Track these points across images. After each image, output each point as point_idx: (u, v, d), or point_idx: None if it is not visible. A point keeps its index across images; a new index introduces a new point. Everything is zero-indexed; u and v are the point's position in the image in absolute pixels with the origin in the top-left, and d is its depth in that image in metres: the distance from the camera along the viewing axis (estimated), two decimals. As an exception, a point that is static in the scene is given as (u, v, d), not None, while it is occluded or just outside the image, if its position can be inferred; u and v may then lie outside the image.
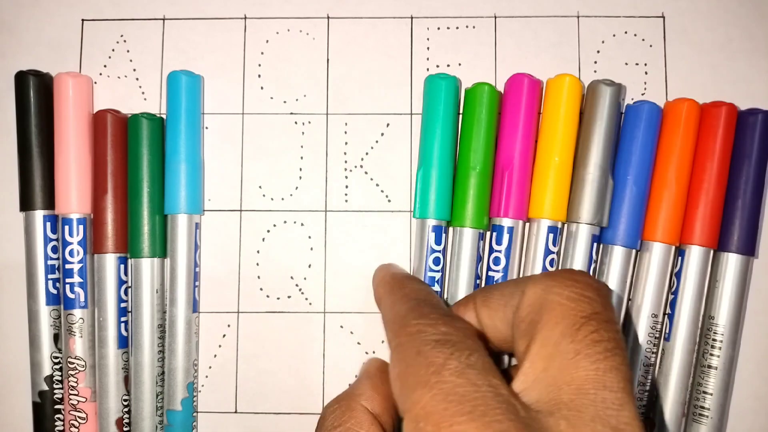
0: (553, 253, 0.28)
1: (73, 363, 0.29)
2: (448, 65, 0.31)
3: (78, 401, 0.29)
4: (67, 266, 0.29)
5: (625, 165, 0.28)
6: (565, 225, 0.29)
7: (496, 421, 0.15)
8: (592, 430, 0.15)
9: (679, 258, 0.29)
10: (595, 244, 0.28)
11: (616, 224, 0.28)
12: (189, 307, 0.29)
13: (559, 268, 0.29)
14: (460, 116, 0.30)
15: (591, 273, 0.28)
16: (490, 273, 0.29)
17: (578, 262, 0.28)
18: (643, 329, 0.28)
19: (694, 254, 0.28)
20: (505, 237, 0.28)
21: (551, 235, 0.28)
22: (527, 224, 0.29)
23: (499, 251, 0.28)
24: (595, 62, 0.31)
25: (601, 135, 0.28)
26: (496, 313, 0.21)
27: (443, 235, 0.29)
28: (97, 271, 0.29)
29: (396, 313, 0.21)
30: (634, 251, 0.29)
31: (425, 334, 0.18)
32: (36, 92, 0.29)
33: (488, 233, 0.29)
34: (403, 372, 0.17)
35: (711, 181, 0.28)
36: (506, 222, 0.28)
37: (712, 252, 0.29)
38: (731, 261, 0.28)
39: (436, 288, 0.29)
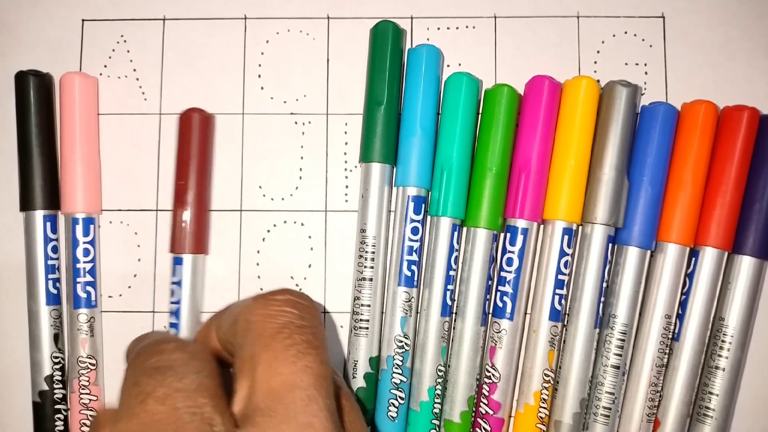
0: (568, 255, 0.28)
1: (84, 362, 0.29)
2: (448, 65, 0.31)
3: (90, 400, 0.29)
4: (78, 266, 0.29)
5: (640, 166, 0.28)
6: (580, 227, 0.29)
7: None
8: None
9: (693, 259, 0.28)
10: (609, 245, 0.28)
11: (631, 225, 0.28)
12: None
13: (573, 270, 0.29)
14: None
15: (605, 274, 0.28)
16: (503, 274, 0.28)
17: (593, 262, 0.28)
18: (656, 330, 0.28)
19: (708, 256, 0.28)
20: (519, 238, 0.28)
21: (566, 237, 0.28)
22: (542, 226, 0.29)
23: (513, 252, 0.28)
24: (595, 62, 0.31)
25: (617, 136, 0.28)
26: (226, 338, 0.21)
27: (454, 234, 0.29)
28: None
29: (132, 354, 0.20)
30: (648, 252, 0.28)
31: (145, 363, 0.18)
32: (36, 92, 0.29)
33: (502, 234, 0.29)
34: (119, 403, 0.18)
35: (729, 184, 0.28)
36: (521, 223, 0.28)
37: (726, 254, 0.28)
38: (745, 264, 0.28)
39: (449, 287, 0.29)
